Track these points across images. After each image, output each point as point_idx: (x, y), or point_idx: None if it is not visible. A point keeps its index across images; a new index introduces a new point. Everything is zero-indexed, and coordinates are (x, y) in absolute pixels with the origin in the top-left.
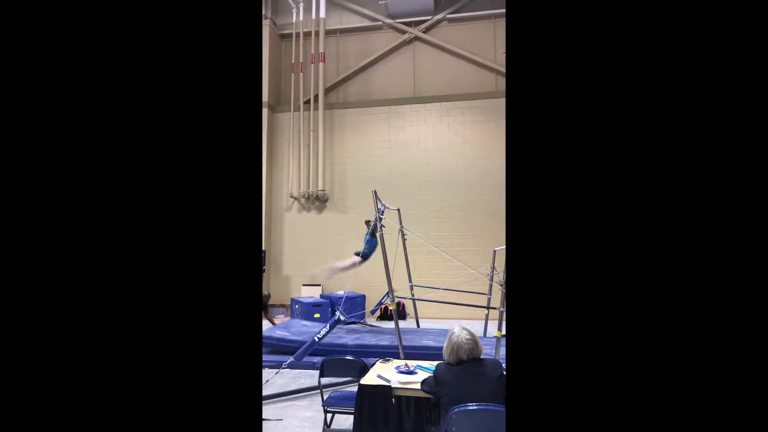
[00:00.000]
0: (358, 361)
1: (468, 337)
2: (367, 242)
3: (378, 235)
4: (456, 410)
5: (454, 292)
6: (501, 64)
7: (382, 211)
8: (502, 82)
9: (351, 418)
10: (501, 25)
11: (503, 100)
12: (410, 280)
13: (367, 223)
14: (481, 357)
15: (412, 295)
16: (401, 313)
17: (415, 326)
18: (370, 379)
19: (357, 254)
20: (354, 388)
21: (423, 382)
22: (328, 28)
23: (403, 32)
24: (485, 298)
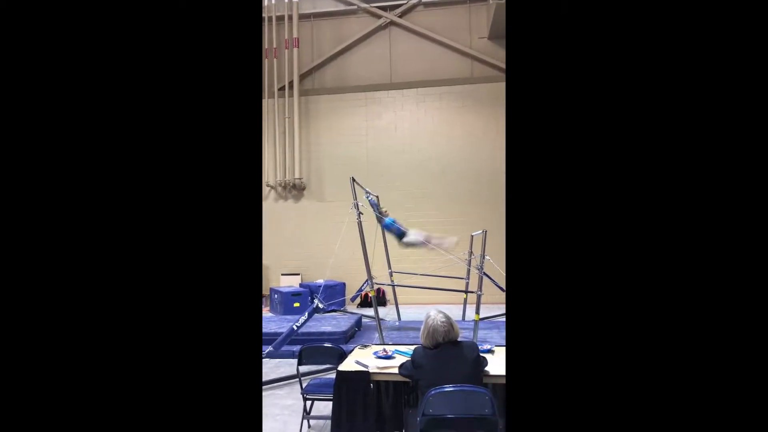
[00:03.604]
0: (336, 348)
1: (443, 320)
2: (389, 227)
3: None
4: (433, 392)
5: (433, 278)
6: (477, 50)
7: (375, 203)
8: (477, 68)
9: (331, 404)
10: (476, 11)
11: (479, 86)
12: (389, 267)
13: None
14: (458, 339)
15: (392, 281)
16: (381, 300)
17: (396, 318)
18: (348, 365)
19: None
20: (333, 375)
21: (401, 366)
22: (301, 12)
23: (379, 17)
24: (464, 282)
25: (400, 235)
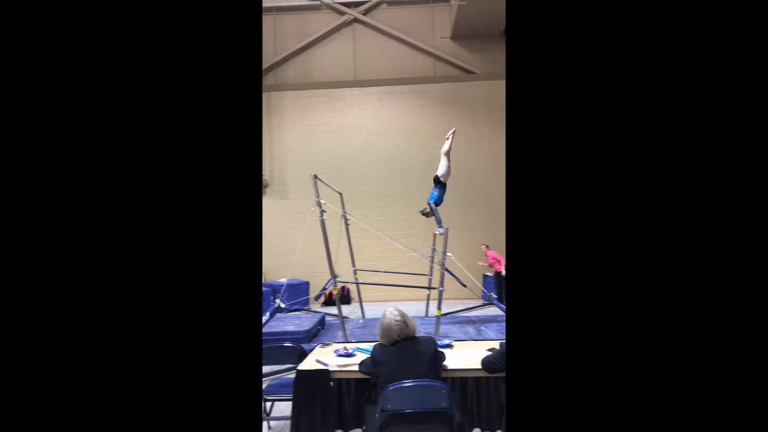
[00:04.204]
0: (296, 347)
1: (398, 318)
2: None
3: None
4: (391, 388)
5: (397, 275)
6: (440, 50)
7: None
8: (440, 68)
9: (291, 404)
10: (439, 10)
11: (441, 86)
12: (354, 265)
13: (424, 213)
14: (416, 335)
15: (356, 279)
16: (345, 298)
17: (361, 316)
18: (308, 364)
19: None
20: (294, 375)
21: (361, 364)
22: (263, 5)
23: (342, 13)
24: (427, 279)
25: (437, 181)
